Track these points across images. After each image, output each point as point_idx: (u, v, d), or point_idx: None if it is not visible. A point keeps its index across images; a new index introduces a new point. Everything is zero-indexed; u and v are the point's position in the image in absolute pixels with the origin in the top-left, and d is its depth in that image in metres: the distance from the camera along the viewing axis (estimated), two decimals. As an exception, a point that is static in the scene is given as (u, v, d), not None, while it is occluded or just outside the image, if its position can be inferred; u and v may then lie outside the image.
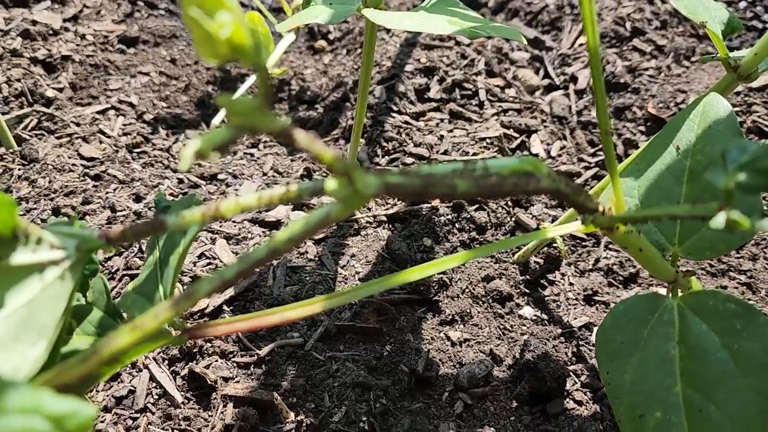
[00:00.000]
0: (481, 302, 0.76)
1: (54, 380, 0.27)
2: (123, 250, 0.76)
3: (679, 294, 0.50)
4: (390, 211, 0.82)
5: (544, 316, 0.75)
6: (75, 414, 0.21)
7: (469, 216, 0.82)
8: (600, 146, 0.94)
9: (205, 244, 0.76)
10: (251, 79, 1.00)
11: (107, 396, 0.63)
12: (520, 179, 0.33)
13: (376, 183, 0.29)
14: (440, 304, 0.74)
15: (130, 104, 1.02)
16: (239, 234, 0.78)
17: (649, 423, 0.46)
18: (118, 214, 0.79)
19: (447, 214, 0.82)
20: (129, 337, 0.27)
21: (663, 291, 0.80)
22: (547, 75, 1.04)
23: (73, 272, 0.31)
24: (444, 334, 0.72)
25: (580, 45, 1.08)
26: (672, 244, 0.53)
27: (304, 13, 0.63)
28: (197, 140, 0.26)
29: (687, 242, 0.52)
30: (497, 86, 1.00)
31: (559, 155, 0.92)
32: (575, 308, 0.76)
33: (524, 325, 0.74)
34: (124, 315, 0.44)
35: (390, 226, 0.81)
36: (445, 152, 0.87)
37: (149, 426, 0.60)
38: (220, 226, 0.79)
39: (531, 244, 0.79)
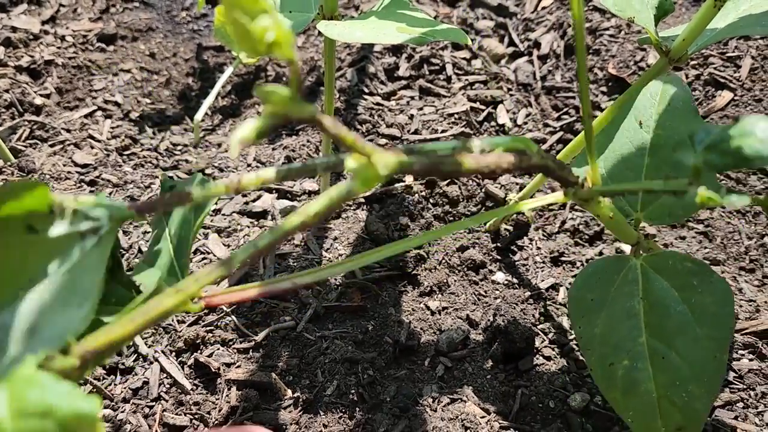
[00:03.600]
0: (457, 271, 0.83)
1: (101, 338, 0.30)
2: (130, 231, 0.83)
3: (642, 255, 0.56)
4: (368, 193, 0.87)
5: (515, 280, 0.82)
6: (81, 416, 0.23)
7: (441, 191, 0.88)
8: (564, 110, 0.99)
9: (199, 239, 0.83)
10: (229, 71, 1.05)
11: (124, 388, 0.70)
12: (515, 157, 0.38)
13: (392, 162, 0.31)
14: (419, 277, 0.81)
15: (116, 103, 1.06)
16: (230, 227, 0.85)
17: (617, 370, 0.53)
18: (116, 217, 0.85)
19: (421, 191, 0.88)
20: (173, 299, 0.31)
21: (626, 249, 0.86)
22: (512, 42, 1.08)
23: (107, 240, 0.33)
24: (424, 304, 0.79)
25: (543, 8, 1.12)
26: (635, 210, 0.59)
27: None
28: (242, 128, 0.29)
29: (648, 209, 0.59)
30: (463, 59, 1.04)
31: (525, 123, 0.97)
32: (542, 270, 0.82)
33: (497, 290, 0.81)
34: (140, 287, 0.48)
35: (368, 207, 0.87)
36: (416, 131, 0.93)
37: (164, 412, 0.68)
38: (211, 221, 0.85)
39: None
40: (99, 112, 1.04)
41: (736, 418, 0.69)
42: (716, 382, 0.52)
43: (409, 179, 0.89)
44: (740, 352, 0.74)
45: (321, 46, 1.12)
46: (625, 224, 0.55)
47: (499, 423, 0.69)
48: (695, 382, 0.52)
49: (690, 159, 0.41)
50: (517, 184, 0.90)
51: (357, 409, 0.69)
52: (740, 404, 0.69)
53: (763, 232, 0.86)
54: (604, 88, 1.01)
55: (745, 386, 0.71)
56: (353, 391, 0.69)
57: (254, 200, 0.88)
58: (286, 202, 0.88)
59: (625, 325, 0.54)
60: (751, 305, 0.78)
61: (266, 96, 0.28)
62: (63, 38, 1.14)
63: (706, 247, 0.86)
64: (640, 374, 0.53)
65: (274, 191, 0.90)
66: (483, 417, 0.69)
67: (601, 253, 0.85)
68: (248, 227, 0.84)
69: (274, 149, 0.96)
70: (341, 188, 0.30)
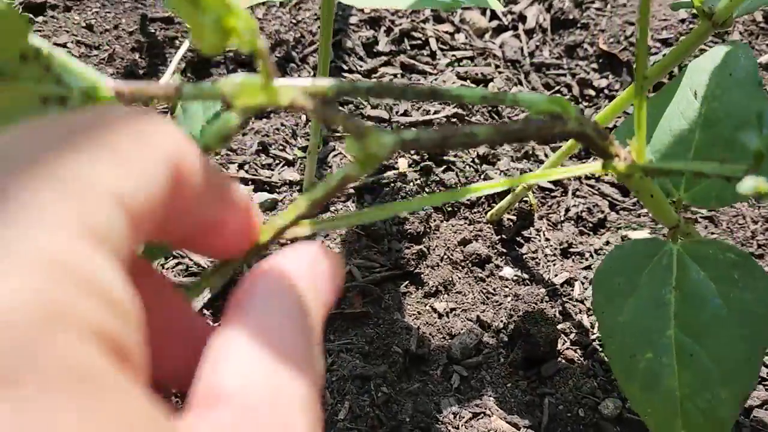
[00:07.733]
0: (461, 268, 0.75)
1: None
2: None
3: (680, 240, 0.50)
4: (357, 183, 0.78)
5: (525, 276, 0.75)
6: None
7: (438, 179, 0.80)
8: (556, 89, 0.93)
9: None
10: (185, 46, 0.92)
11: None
12: (546, 123, 0.31)
13: (391, 142, 0.27)
14: (422, 275, 0.73)
15: (50, 83, 0.92)
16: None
17: (639, 363, 0.48)
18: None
19: (416, 179, 0.79)
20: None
21: (636, 234, 0.81)
22: (494, 16, 1.01)
23: None
24: (430, 306, 0.71)
25: (524, -21, 1.05)
26: (678, 190, 0.53)
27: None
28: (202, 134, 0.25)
29: (694, 189, 0.53)
30: (447, 32, 0.96)
31: (518, 102, 0.90)
32: (554, 264, 0.76)
33: (507, 287, 0.74)
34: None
35: (359, 198, 0.78)
36: (405, 113, 0.84)
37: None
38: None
39: (504, 201, 0.77)
40: (31, 93, 0.90)
41: (772, 417, 0.65)
42: (746, 388, 0.47)
43: (402, 165, 0.80)
44: (768, 345, 0.70)
45: (285, 17, 1.01)
46: (665, 204, 0.49)
47: (531, 438, 0.62)
48: (724, 385, 0.47)
49: (754, 142, 0.36)
50: (517, 169, 0.83)
51: (374, 433, 0.60)
52: (778, 403, 0.66)
53: (768, 215, 0.83)
54: (595, 65, 0.95)
55: (779, 383, 0.67)
56: (368, 413, 0.61)
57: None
58: (265, 195, 0.77)
59: (652, 315, 0.49)
60: (769, 294, 0.74)
61: (236, 89, 0.25)
62: (-19, 6, 0.98)
63: (712, 233, 0.82)
64: (664, 370, 0.47)
65: (250, 182, 0.79)
66: (512, 432, 0.62)
67: (607, 243, 0.80)
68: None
69: (244, 134, 0.85)
70: (338, 175, 0.27)
